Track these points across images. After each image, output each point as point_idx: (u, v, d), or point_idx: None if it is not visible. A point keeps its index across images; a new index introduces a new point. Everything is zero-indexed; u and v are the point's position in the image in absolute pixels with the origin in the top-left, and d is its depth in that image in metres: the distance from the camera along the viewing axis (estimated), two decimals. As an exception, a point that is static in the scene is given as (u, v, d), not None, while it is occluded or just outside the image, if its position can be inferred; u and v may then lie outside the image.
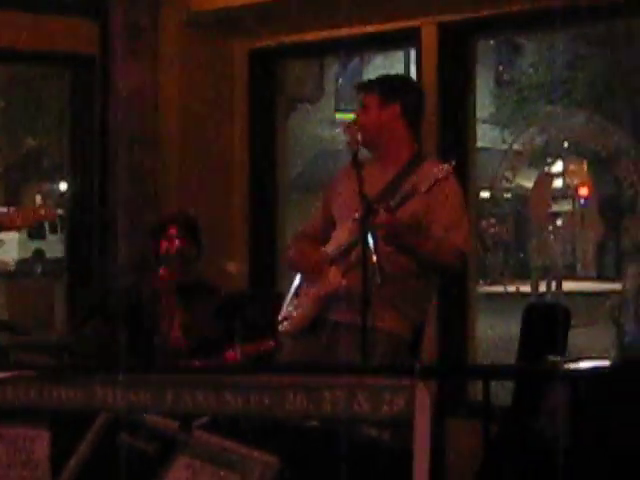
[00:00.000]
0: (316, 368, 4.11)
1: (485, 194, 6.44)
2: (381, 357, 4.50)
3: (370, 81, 5.18)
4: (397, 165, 4.76)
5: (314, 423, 3.72)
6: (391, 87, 4.93)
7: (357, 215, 4.50)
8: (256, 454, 3.73)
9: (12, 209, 6.22)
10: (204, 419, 3.80)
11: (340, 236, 4.78)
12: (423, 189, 4.52)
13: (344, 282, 4.60)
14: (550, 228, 6.86)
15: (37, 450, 3.98)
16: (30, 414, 3.97)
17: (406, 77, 6.06)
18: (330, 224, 4.93)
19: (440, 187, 4.59)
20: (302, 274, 4.94)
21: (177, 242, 5.37)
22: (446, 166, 4.84)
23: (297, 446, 3.72)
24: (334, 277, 4.70)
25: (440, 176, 4.63)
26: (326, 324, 4.72)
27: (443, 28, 6.14)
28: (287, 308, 4.93)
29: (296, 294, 4.93)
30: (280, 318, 4.95)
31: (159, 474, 3.79)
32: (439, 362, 5.69)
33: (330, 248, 4.81)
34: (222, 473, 3.76)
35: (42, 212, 5.75)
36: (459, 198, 4.84)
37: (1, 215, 5.69)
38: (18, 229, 6.60)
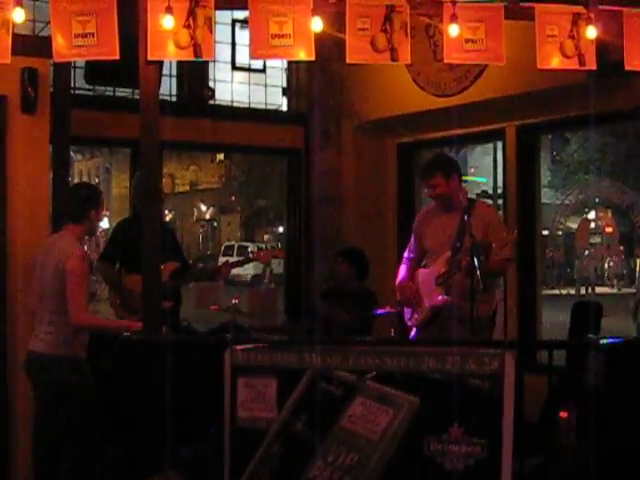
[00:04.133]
0: (443, 342, 4.83)
1: (546, 232, 7.24)
2: (480, 333, 5.14)
3: (430, 168, 5.63)
4: (459, 210, 5.43)
5: (441, 376, 4.29)
6: (447, 166, 5.56)
7: (450, 253, 5.22)
8: (404, 395, 4.33)
9: (257, 250, 7.25)
10: (372, 373, 4.37)
11: (439, 266, 5.40)
12: (482, 227, 5.17)
13: (449, 298, 5.36)
14: (587, 253, 7.53)
15: (269, 392, 4.54)
16: (264, 369, 4.55)
17: (444, 154, 6.55)
18: (423, 251, 5.65)
19: (488, 219, 5.38)
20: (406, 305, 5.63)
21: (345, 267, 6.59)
22: (487, 204, 5.40)
23: (430, 391, 4.31)
24: (440, 296, 5.39)
25: (488, 213, 5.42)
26: (440, 318, 5.42)
27: (519, 128, 7.21)
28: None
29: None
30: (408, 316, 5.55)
31: (344, 407, 4.42)
32: (519, 339, 6.34)
33: (432, 274, 5.41)
34: (383, 407, 4.33)
35: (276, 252, 6.97)
36: (500, 223, 5.56)
37: (252, 254, 7.03)
38: (261, 262, 7.50)
